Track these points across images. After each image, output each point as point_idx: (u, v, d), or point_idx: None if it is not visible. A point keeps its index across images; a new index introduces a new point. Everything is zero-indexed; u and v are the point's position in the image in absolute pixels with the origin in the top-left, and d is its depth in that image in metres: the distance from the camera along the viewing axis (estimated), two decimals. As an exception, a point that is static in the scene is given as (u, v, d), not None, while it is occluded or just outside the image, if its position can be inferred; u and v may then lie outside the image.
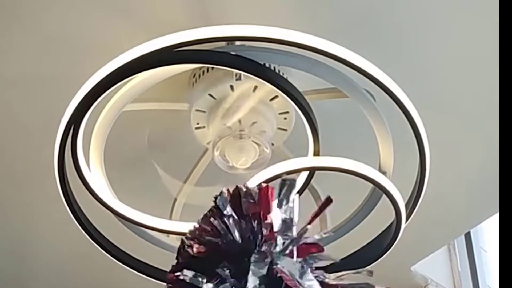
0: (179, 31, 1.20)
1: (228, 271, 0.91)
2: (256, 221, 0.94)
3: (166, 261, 1.51)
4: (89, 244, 1.46)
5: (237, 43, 1.29)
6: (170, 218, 1.53)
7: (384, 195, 1.38)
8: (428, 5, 1.39)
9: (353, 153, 1.36)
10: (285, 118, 1.43)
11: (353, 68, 1.23)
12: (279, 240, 0.94)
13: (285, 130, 1.45)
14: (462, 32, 1.44)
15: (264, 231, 0.93)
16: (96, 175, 1.40)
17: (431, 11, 1.40)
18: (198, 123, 1.44)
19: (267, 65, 1.28)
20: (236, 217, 0.95)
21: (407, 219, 1.43)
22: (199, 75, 1.42)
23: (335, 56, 1.22)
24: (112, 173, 1.44)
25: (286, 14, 1.38)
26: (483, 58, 1.47)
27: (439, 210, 1.79)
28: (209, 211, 0.97)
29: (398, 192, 1.37)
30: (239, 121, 1.39)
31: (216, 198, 0.97)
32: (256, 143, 1.39)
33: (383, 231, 1.48)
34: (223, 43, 1.27)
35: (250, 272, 0.90)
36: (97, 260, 1.55)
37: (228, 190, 0.98)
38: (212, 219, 0.95)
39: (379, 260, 1.47)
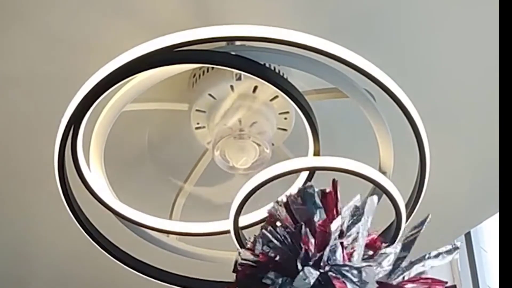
0: (179, 31, 1.20)
1: (281, 279, 0.91)
2: (309, 229, 0.93)
3: (166, 261, 1.52)
4: (89, 244, 1.46)
5: (237, 43, 1.29)
6: (170, 218, 1.53)
7: (384, 195, 1.38)
8: (428, 5, 1.39)
9: (353, 153, 1.36)
10: (285, 118, 1.43)
11: (353, 68, 1.23)
12: (335, 247, 0.93)
13: (285, 130, 1.45)
14: (462, 32, 1.44)
15: (318, 239, 0.93)
16: (96, 175, 1.40)
17: (432, 11, 1.40)
18: (198, 123, 1.44)
19: (267, 65, 1.28)
20: (288, 226, 0.95)
21: (407, 219, 1.43)
22: (199, 75, 1.42)
23: (335, 56, 1.22)
24: (112, 173, 1.44)
25: (286, 14, 1.38)
26: (484, 57, 1.47)
27: (439, 210, 1.78)
28: (265, 222, 0.98)
29: (398, 192, 1.37)
30: (239, 121, 1.39)
31: (271, 208, 0.98)
32: (256, 143, 1.39)
33: (383, 231, 1.48)
34: (223, 43, 1.27)
35: (297, 278, 0.90)
36: (97, 260, 1.55)
37: (282, 200, 0.98)
38: (265, 230, 0.96)
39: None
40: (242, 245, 1.42)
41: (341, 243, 0.94)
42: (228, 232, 1.42)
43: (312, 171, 1.41)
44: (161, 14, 1.37)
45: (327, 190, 0.99)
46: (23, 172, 1.66)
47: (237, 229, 1.40)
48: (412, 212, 1.45)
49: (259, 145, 1.39)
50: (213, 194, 1.60)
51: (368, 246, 0.98)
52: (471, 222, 1.95)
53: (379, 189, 1.37)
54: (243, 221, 1.43)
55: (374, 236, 1.00)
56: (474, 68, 1.50)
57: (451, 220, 1.87)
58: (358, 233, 0.97)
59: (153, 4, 1.36)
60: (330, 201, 0.98)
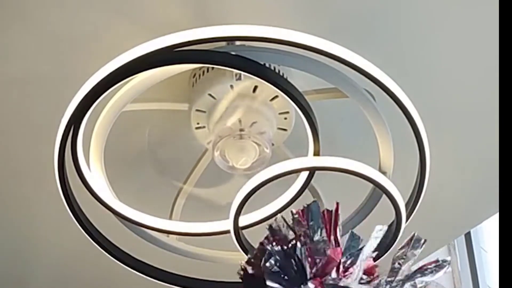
0: (179, 31, 1.20)
1: None
2: (306, 248, 0.94)
3: (166, 261, 1.52)
4: (89, 244, 1.46)
5: (237, 43, 1.29)
6: (170, 218, 1.53)
7: (384, 195, 1.38)
8: (428, 5, 1.40)
9: (353, 153, 1.36)
10: (285, 118, 1.43)
11: (353, 68, 1.23)
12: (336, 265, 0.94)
13: (285, 130, 1.45)
14: (462, 32, 1.44)
15: (315, 258, 0.94)
16: (96, 175, 1.40)
17: (432, 11, 1.40)
18: (198, 123, 1.44)
19: (267, 65, 1.28)
20: (287, 244, 0.96)
21: (407, 219, 1.43)
22: (199, 75, 1.42)
23: (335, 56, 1.22)
24: (112, 173, 1.44)
25: (286, 14, 1.38)
26: (484, 57, 1.47)
27: (439, 210, 1.79)
28: (265, 237, 0.99)
29: (398, 192, 1.37)
30: (239, 121, 1.39)
31: (270, 225, 0.99)
32: (256, 143, 1.39)
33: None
34: (223, 43, 1.27)
35: None
36: (97, 260, 1.55)
37: (283, 216, 0.99)
38: (264, 246, 0.96)
39: (379, 260, 1.46)
40: (242, 245, 1.42)
41: (340, 264, 0.95)
42: (228, 232, 1.42)
43: (312, 171, 1.41)
44: (161, 14, 1.37)
45: (330, 210, 1.00)
46: (23, 172, 1.66)
47: (237, 229, 1.40)
48: (412, 212, 1.45)
49: (259, 145, 1.39)
50: (213, 194, 1.60)
51: (365, 271, 0.99)
52: (471, 222, 1.95)
53: (379, 189, 1.37)
54: (243, 221, 1.43)
55: (372, 263, 1.00)
56: (474, 68, 1.50)
57: (451, 220, 1.87)
58: (358, 256, 0.98)
59: (153, 4, 1.36)
60: (330, 221, 0.99)
